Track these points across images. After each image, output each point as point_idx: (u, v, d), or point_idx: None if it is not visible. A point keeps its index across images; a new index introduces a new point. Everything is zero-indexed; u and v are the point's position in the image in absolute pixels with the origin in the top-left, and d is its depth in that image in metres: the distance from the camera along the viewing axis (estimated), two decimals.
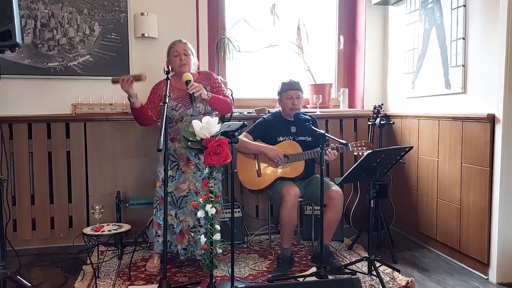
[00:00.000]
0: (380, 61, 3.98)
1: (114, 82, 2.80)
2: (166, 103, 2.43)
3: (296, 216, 2.89)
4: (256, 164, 3.03)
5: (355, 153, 2.97)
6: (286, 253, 2.87)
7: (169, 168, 2.83)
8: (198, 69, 3.14)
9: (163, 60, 2.99)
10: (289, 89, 3.07)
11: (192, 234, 2.82)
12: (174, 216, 2.86)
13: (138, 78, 2.77)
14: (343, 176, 2.70)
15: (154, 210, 2.89)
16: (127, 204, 3.33)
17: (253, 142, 3.03)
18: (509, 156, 2.61)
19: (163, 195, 2.79)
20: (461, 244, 2.95)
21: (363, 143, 2.95)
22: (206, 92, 2.79)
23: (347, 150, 2.91)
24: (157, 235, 2.87)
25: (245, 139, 3.01)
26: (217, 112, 2.93)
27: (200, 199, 2.31)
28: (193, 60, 2.95)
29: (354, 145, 2.95)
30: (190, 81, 2.71)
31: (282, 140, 3.06)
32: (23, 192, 3.34)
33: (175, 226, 2.86)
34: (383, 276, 2.65)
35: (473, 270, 2.86)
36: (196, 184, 2.83)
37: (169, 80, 2.60)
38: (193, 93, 2.70)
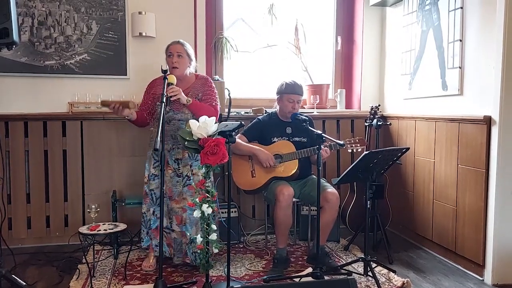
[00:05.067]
0: (377, 62, 3.99)
1: (103, 105, 2.79)
2: (164, 102, 2.42)
3: (290, 216, 2.87)
4: (250, 165, 3.02)
5: (349, 150, 2.96)
6: (281, 253, 2.87)
7: (153, 167, 2.87)
8: (196, 71, 3.11)
9: (160, 59, 2.97)
10: (292, 93, 3.00)
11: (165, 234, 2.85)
12: (152, 213, 2.88)
13: (125, 105, 2.74)
14: (340, 177, 2.70)
15: (143, 205, 2.92)
16: (123, 203, 3.32)
17: (246, 144, 3.02)
18: (505, 157, 2.62)
19: (147, 191, 2.88)
20: (457, 245, 2.96)
21: (357, 140, 2.95)
22: (186, 98, 2.73)
23: (341, 146, 2.90)
24: (143, 230, 2.91)
25: (239, 140, 2.99)
26: None
27: (197, 199, 2.31)
28: (191, 62, 2.90)
29: (348, 142, 2.95)
30: (171, 83, 2.67)
31: (277, 141, 3.06)
32: (19, 190, 3.32)
33: (152, 222, 2.88)
34: (379, 277, 2.66)
35: (469, 271, 2.86)
36: (172, 189, 2.83)
37: (166, 80, 2.59)
38: (170, 96, 2.64)
